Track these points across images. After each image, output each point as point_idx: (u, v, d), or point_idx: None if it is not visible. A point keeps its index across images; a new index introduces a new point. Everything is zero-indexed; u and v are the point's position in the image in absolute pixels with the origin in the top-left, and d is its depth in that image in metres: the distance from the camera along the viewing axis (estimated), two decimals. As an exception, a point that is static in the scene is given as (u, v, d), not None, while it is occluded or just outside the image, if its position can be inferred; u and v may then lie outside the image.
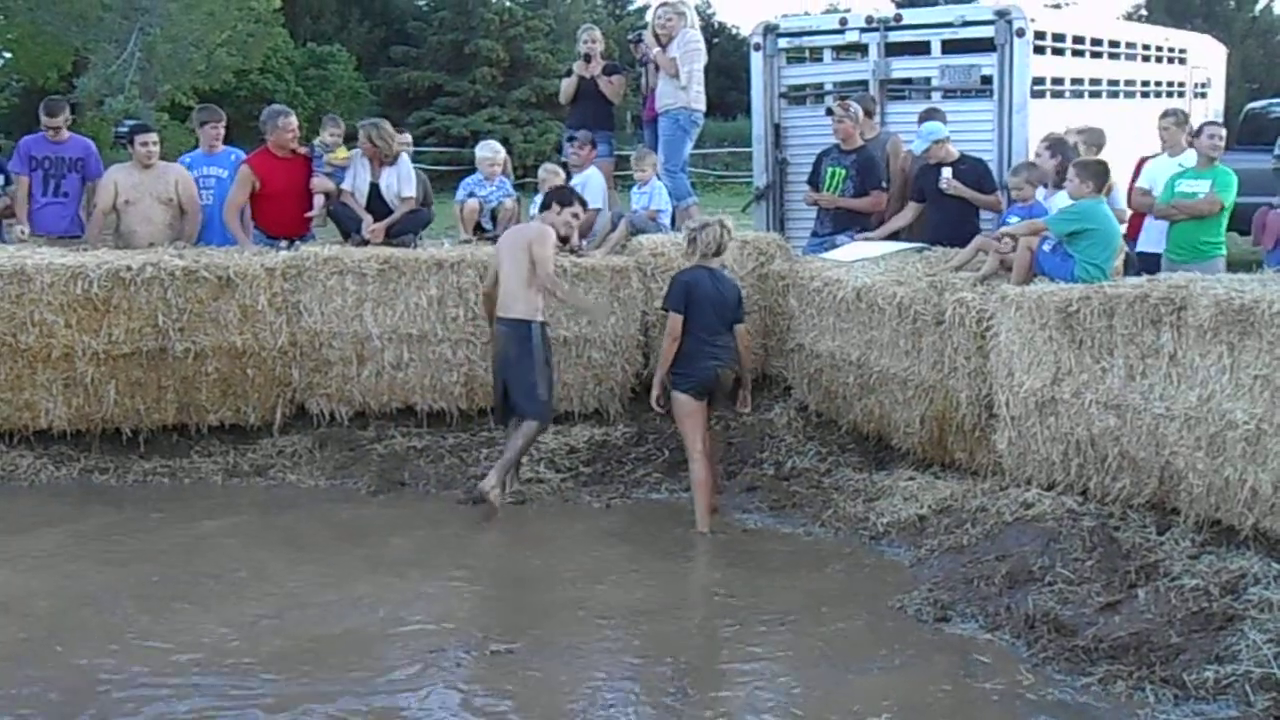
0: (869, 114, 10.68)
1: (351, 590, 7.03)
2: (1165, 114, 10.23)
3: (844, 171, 10.29)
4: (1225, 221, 9.31)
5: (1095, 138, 9.41)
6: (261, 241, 10.01)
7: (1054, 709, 5.58)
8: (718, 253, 8.20)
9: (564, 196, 8.94)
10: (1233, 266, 8.95)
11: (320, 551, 7.71)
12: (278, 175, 10.06)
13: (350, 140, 10.45)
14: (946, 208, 9.67)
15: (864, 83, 11.68)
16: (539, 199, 10.02)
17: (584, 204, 9.16)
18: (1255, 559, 6.38)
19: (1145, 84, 13.71)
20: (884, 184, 10.33)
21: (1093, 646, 5.98)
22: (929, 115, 10.14)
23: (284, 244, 9.88)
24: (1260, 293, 6.56)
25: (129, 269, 9.06)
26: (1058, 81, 11.72)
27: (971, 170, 9.75)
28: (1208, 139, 9.37)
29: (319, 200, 10.18)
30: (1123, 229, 8.88)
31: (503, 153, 10.66)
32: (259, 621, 6.57)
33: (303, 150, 10.26)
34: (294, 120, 10.26)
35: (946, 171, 9.63)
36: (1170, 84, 14.38)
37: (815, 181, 10.60)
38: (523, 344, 8.45)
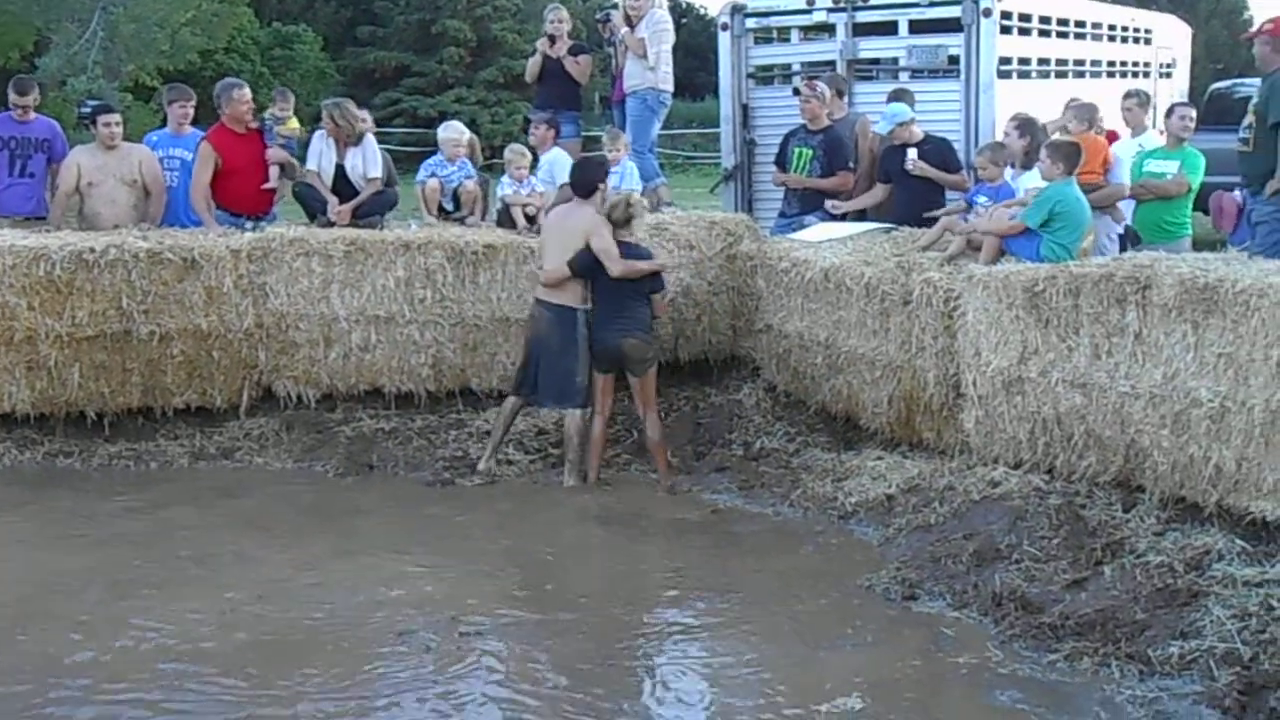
0: (840, 94, 10.68)
1: (320, 573, 7.01)
2: (1128, 94, 10.26)
3: (811, 151, 10.29)
4: (1191, 202, 9.35)
5: (1088, 113, 9.37)
6: (225, 220, 9.92)
7: (1021, 684, 5.62)
8: (625, 224, 8.40)
9: (599, 173, 8.85)
10: (1198, 246, 9.00)
11: (289, 535, 7.68)
12: (238, 151, 9.98)
13: (316, 121, 10.38)
14: (912, 188, 9.69)
15: (831, 63, 11.68)
16: (505, 179, 10.02)
17: (607, 165, 9.25)
18: (1219, 536, 6.44)
19: (1111, 64, 13.76)
20: (851, 164, 10.34)
21: (1059, 623, 6.02)
22: (897, 96, 10.15)
23: (249, 225, 9.81)
24: (1224, 272, 6.61)
25: (92, 251, 8.97)
26: (1024, 61, 11.75)
27: (936, 150, 9.77)
28: (1178, 120, 9.41)
29: (274, 171, 10.14)
30: (1128, 205, 8.91)
31: (467, 134, 10.57)
32: (230, 607, 6.53)
33: (254, 125, 10.21)
34: (249, 93, 10.20)
35: (912, 152, 9.65)
36: (1136, 64, 14.44)
37: (782, 162, 10.60)
38: (567, 331, 8.52)
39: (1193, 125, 9.42)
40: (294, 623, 6.34)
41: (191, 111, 10.56)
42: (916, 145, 9.71)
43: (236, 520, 7.94)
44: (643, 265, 8.51)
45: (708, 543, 7.59)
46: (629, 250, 8.47)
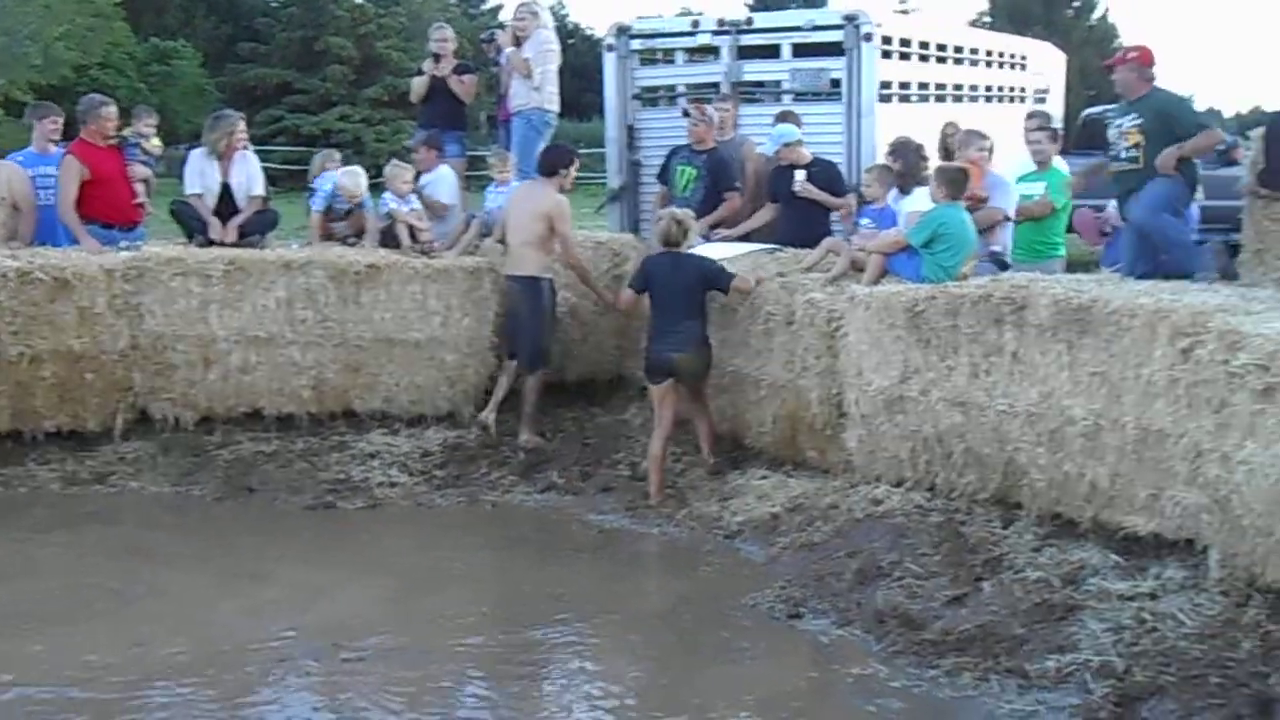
0: (729, 117, 10.75)
1: (197, 600, 6.84)
2: (1031, 115, 10.43)
3: (695, 171, 10.35)
4: (1064, 222, 9.54)
5: (971, 139, 9.38)
6: (97, 235, 9.62)
7: (905, 699, 5.67)
8: (668, 243, 8.52)
9: (562, 159, 9.30)
10: (1073, 267, 9.21)
11: (166, 561, 7.48)
12: (103, 161, 9.75)
13: (195, 139, 10.24)
14: (799, 210, 9.76)
15: (716, 85, 11.76)
16: (387, 195, 9.91)
17: (577, 156, 9.56)
18: (1094, 550, 6.59)
19: (989, 89, 14.05)
20: (738, 184, 10.41)
21: (940, 639, 6.10)
22: (784, 118, 10.25)
23: (124, 243, 9.57)
24: (1097, 292, 6.78)
25: (-42, 270, 8.69)
26: (905, 86, 11.94)
27: (824, 173, 9.86)
28: (1029, 143, 9.60)
29: (139, 188, 10.00)
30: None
31: (364, 186, 10.39)
32: (104, 637, 6.34)
33: (113, 141, 10.04)
34: (114, 110, 10.02)
35: (800, 175, 9.73)
36: (1013, 89, 14.76)
37: (665, 179, 10.64)
38: (534, 300, 9.18)
39: (1044, 147, 9.50)
40: (170, 651, 6.16)
41: (60, 129, 10.30)
42: (805, 167, 9.80)
43: (112, 548, 7.71)
44: (588, 273, 9.30)
45: (593, 563, 7.57)
46: (676, 260, 8.53)
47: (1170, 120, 8.12)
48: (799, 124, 10.18)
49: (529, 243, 9.14)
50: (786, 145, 9.80)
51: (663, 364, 8.41)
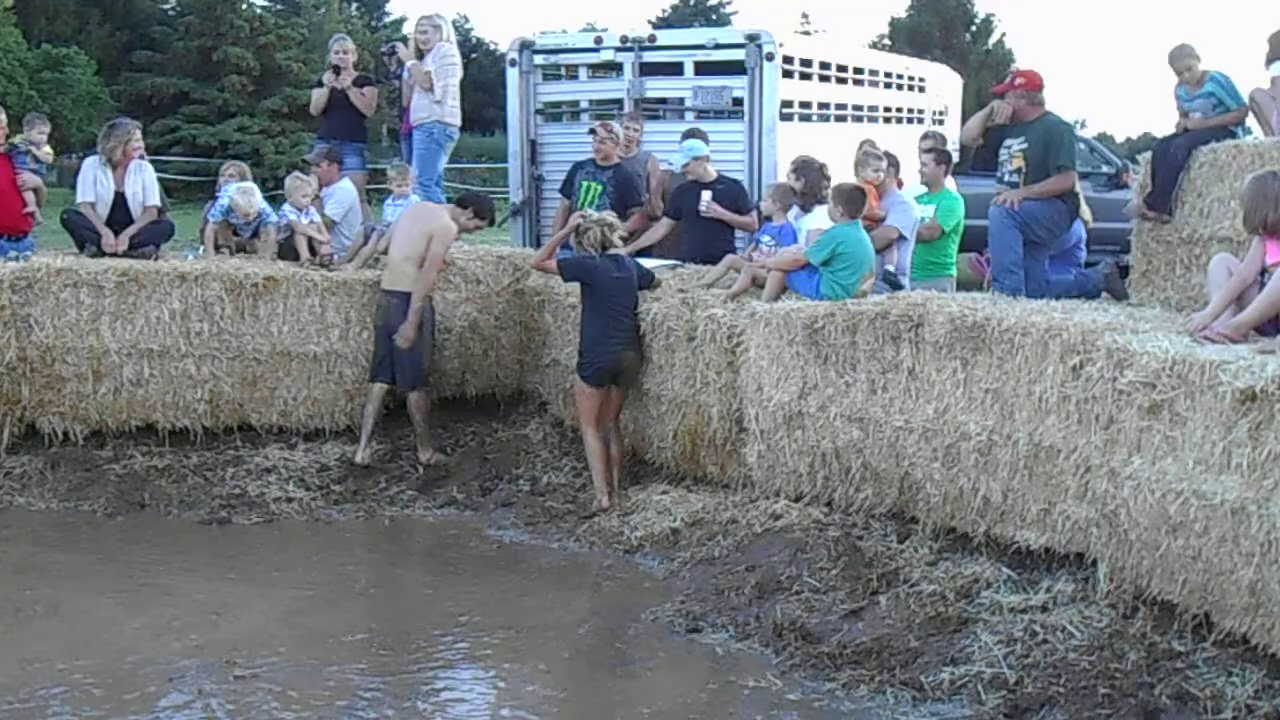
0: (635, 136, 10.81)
1: (87, 617, 6.69)
2: (925, 135, 10.59)
3: (600, 187, 10.39)
4: (956, 242, 9.70)
5: (869, 160, 9.39)
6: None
7: (802, 711, 5.71)
8: (604, 247, 8.51)
9: (483, 209, 9.58)
10: (966, 286, 9.37)
11: (54, 579, 7.29)
12: None
13: (89, 148, 10.04)
14: (704, 227, 9.82)
15: (619, 101, 11.83)
16: (286, 208, 9.81)
17: (492, 221, 9.89)
18: (987, 564, 6.70)
19: (889, 110, 14.28)
20: (642, 200, 10.47)
21: (837, 653, 6.16)
22: (692, 134, 10.33)
23: (13, 253, 9.34)
24: (990, 311, 6.91)
25: None
26: (806, 105, 12.09)
27: (729, 191, 9.93)
28: (921, 164, 9.76)
29: (29, 196, 9.80)
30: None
31: (258, 203, 10.21)
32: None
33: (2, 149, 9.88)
34: (3, 118, 9.88)
35: (706, 195, 9.78)
36: (911, 110, 15.02)
37: (568, 192, 10.66)
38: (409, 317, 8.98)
39: (931, 166, 9.62)
40: (61, 669, 6.01)
41: None
42: (710, 185, 9.86)
43: (-2, 564, 7.53)
44: (421, 297, 8.93)
45: (493, 578, 7.52)
46: (618, 262, 8.54)
47: (1048, 149, 8.31)
48: (706, 141, 10.25)
49: (410, 259, 9.02)
50: (695, 159, 9.86)
51: (613, 363, 8.42)
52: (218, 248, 9.92)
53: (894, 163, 9.35)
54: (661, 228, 10.15)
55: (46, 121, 10.64)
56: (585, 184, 10.49)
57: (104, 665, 6.09)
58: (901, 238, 8.93)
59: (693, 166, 9.92)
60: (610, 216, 8.79)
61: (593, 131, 10.65)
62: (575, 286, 8.69)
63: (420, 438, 9.21)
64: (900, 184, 9.56)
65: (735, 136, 11.23)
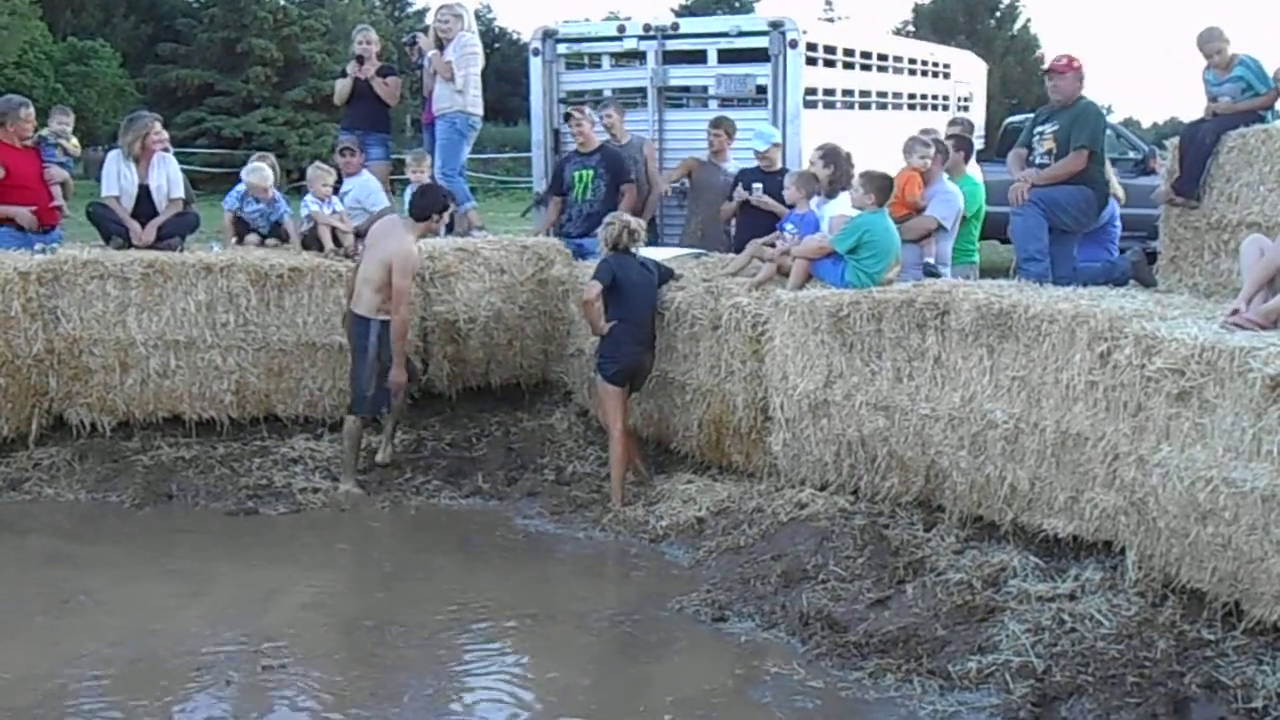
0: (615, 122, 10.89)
1: (117, 607, 6.72)
2: (951, 122, 10.54)
3: (591, 172, 10.51)
4: (978, 229, 9.63)
5: (915, 146, 9.31)
6: (13, 239, 9.46)
7: (826, 700, 5.70)
8: (615, 248, 8.39)
9: (438, 203, 8.77)
10: (988, 273, 9.31)
11: (83, 569, 7.34)
12: (20, 163, 9.59)
13: (113, 140, 10.07)
14: (755, 216, 9.80)
15: (642, 90, 11.82)
16: (309, 198, 9.82)
17: (454, 199, 9.10)
18: (1014, 553, 6.67)
19: (913, 97, 14.22)
20: (633, 176, 10.59)
21: (864, 641, 6.14)
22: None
23: (40, 246, 9.39)
24: (1017, 298, 6.87)
25: None
26: (829, 92, 12.05)
27: (775, 182, 9.97)
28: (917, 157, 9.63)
29: (56, 190, 9.83)
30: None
31: (270, 179, 10.08)
32: (18, 648, 6.21)
33: (30, 142, 9.90)
34: (33, 112, 9.89)
35: (757, 186, 9.80)
36: (936, 97, 14.95)
37: (561, 189, 10.74)
38: (360, 339, 8.60)
39: (953, 153, 9.50)
40: (88, 660, 6.05)
41: None
42: (774, 175, 9.88)
43: (28, 556, 7.56)
44: (403, 335, 8.55)
45: (519, 567, 7.53)
46: (643, 264, 8.50)
47: (1073, 131, 8.28)
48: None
49: (368, 281, 8.55)
50: (775, 145, 9.91)
51: (634, 363, 8.41)
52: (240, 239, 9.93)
53: (943, 150, 9.21)
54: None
55: (69, 112, 10.65)
56: (576, 173, 10.59)
57: (130, 656, 6.12)
58: (941, 228, 8.87)
59: (771, 153, 9.95)
60: (639, 222, 8.66)
61: (567, 118, 10.74)
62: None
63: (343, 464, 8.80)
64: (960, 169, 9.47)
65: (759, 124, 11.20)
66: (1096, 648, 5.70)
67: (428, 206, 8.71)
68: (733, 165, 10.61)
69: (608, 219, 8.59)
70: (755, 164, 10.12)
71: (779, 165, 10.04)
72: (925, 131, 9.62)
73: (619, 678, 6.05)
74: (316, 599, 6.95)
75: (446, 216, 8.97)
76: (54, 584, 7.06)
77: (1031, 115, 8.62)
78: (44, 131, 10.13)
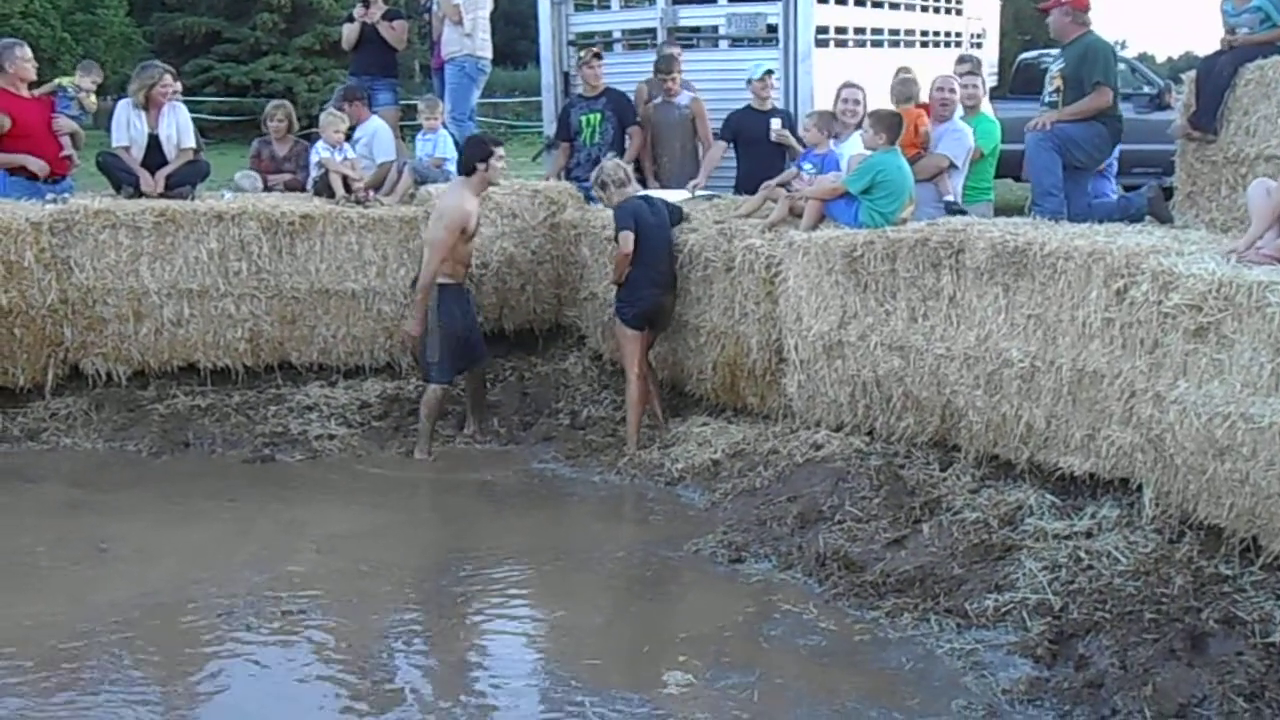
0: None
1: (138, 554, 6.78)
2: (960, 59, 10.40)
3: (599, 115, 10.47)
4: (993, 166, 9.54)
5: (906, 89, 9.27)
6: (23, 189, 9.45)
7: (842, 638, 5.73)
8: (623, 183, 8.44)
9: (480, 151, 8.50)
10: (1003, 211, 9.24)
11: (101, 517, 7.39)
12: (25, 111, 9.56)
13: (121, 90, 10.02)
14: (765, 154, 9.72)
15: (652, 31, 11.69)
16: (320, 145, 9.77)
17: (497, 143, 8.76)
18: (1030, 491, 6.67)
19: (925, 34, 14.06)
20: (638, 119, 10.59)
21: (881, 581, 6.16)
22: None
23: (51, 196, 9.37)
24: (1032, 235, 6.82)
25: (-120, 224, 8.47)
26: (841, 31, 11.91)
27: (788, 119, 9.90)
28: (937, 93, 9.52)
29: (66, 141, 9.78)
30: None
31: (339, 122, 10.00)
32: (43, 592, 6.26)
33: (39, 93, 9.90)
34: (29, 51, 9.77)
35: (776, 122, 9.71)
36: (949, 34, 14.78)
37: (568, 135, 10.67)
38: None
39: (954, 99, 9.33)
40: (110, 606, 6.09)
41: None
42: (768, 114, 9.81)
43: (47, 505, 7.60)
44: (424, 288, 8.34)
45: (535, 510, 7.56)
46: (652, 204, 8.48)
47: (1083, 67, 8.18)
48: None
49: (426, 243, 8.55)
50: (769, 73, 9.88)
51: (653, 305, 8.41)
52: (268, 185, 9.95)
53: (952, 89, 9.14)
54: (718, 151, 10.08)
55: (99, 72, 10.47)
56: (584, 117, 10.51)
57: (152, 602, 6.16)
58: (953, 166, 8.79)
59: (760, 86, 9.89)
60: (610, 165, 8.63)
61: (579, 62, 10.80)
62: (609, 217, 8.63)
63: (420, 433, 8.62)
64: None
65: (770, 64, 11.08)
66: (1114, 585, 5.70)
67: (469, 158, 8.54)
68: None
69: (599, 168, 8.61)
70: (746, 103, 10.00)
71: (770, 104, 9.92)
72: (902, 70, 9.53)
73: (634, 618, 6.08)
74: (334, 544, 6.99)
75: (496, 162, 8.53)
76: (75, 532, 7.11)
77: (1044, 51, 8.52)
78: (64, 80, 10.03)
